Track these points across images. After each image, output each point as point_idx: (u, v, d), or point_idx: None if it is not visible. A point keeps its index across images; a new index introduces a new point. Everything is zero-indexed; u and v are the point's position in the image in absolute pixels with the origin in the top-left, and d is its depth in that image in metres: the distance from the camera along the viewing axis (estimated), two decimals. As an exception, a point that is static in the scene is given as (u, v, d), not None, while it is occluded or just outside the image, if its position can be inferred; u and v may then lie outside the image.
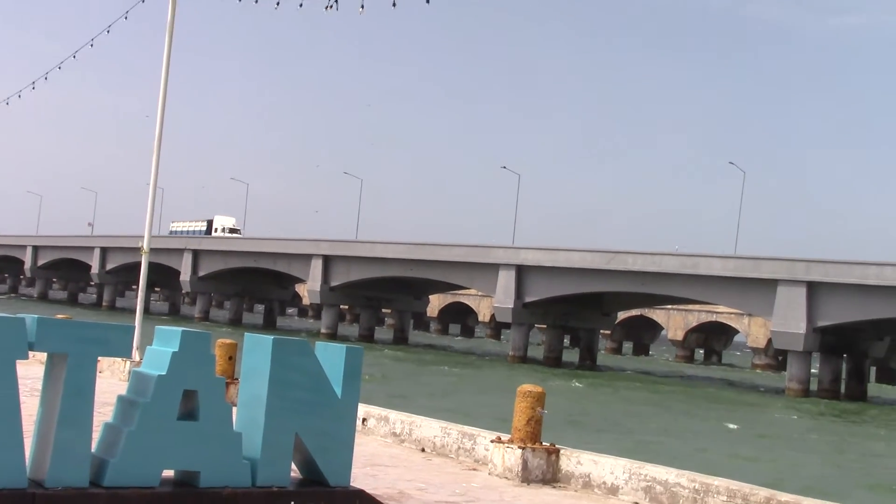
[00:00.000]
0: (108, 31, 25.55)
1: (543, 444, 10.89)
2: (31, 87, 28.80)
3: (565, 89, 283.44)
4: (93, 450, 6.52)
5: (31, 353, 6.34)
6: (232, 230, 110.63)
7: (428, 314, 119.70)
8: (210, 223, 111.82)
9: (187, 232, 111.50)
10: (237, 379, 14.04)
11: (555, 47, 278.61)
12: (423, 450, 12.25)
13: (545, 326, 79.11)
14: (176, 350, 6.78)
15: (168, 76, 20.33)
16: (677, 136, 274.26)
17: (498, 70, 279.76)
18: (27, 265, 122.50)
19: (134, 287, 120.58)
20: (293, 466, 7.32)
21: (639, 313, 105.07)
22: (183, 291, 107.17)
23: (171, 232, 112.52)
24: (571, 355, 79.69)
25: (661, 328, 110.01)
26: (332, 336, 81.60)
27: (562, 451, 10.90)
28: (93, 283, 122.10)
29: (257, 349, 7.30)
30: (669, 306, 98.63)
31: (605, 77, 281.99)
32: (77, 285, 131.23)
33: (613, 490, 10.23)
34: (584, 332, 78.56)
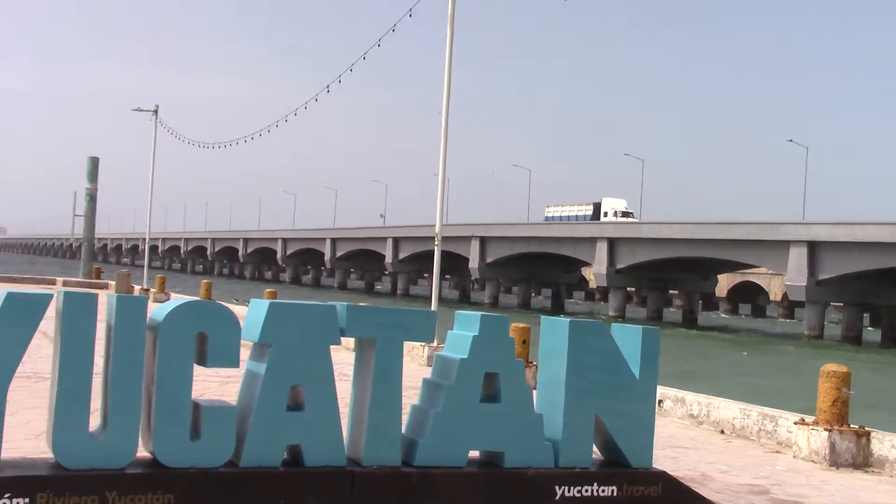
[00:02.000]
0: (392, 31, 26.50)
1: (851, 426, 10.39)
2: (325, 90, 30.32)
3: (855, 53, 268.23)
4: (402, 431, 6.81)
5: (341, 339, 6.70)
6: (624, 213, 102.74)
7: (716, 294, 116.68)
8: (597, 207, 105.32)
9: (568, 217, 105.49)
10: (531, 362, 14.29)
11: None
12: (721, 431, 11.99)
13: (842, 304, 75.37)
14: (476, 334, 6.96)
15: (451, 67, 20.83)
16: None
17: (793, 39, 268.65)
18: (327, 257, 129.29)
19: (426, 275, 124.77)
20: (594, 448, 7.35)
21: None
22: (472, 278, 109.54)
23: (546, 218, 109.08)
24: (872, 335, 75.46)
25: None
26: (620, 318, 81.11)
27: (872, 434, 10.36)
28: (387, 273, 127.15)
29: (554, 332, 7.37)
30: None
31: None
32: (373, 275, 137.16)
33: (933, 476, 9.62)
34: (887, 310, 74.17)
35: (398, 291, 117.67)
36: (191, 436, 6.10)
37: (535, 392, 7.37)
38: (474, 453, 7.05)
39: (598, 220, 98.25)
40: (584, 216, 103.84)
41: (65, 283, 42.53)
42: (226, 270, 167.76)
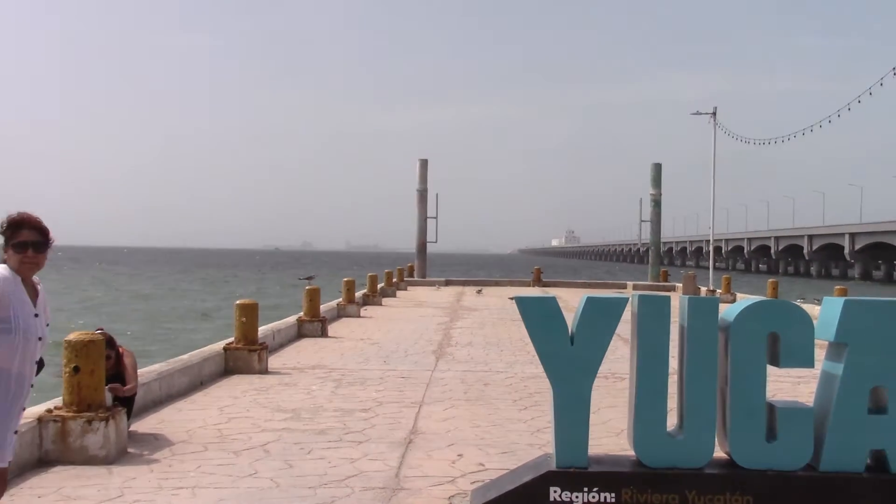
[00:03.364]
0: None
1: None
2: (892, 72, 28.62)
3: None
4: None
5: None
6: None
7: None
8: None
9: None
10: None
11: None
12: None
13: None
14: None
15: None
16: None
17: None
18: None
19: None
20: None
21: None
22: None
23: None
24: None
25: None
26: None
27: None
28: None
29: None
30: None
31: None
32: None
33: None
34: None
35: None
36: (766, 437, 6.05)
37: None
38: None
39: None
40: None
41: (634, 287, 44.13)
42: (790, 269, 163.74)
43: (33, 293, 4.89)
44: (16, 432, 4.87)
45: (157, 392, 10.77)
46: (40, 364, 5.00)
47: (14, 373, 4.73)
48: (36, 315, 4.85)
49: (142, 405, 9.99)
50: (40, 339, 4.86)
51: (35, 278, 4.95)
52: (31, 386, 4.90)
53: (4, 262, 4.83)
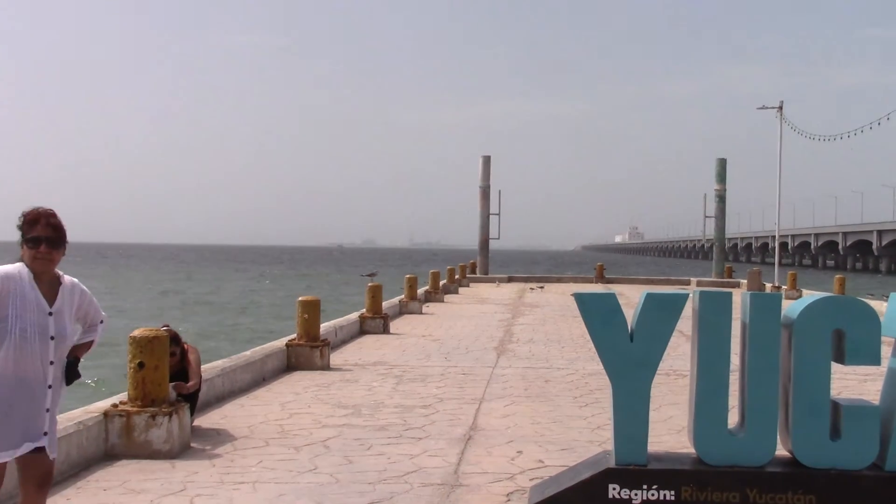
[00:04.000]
0: None
1: None
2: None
3: None
4: None
5: None
6: None
7: None
8: None
9: None
10: None
11: None
12: None
13: None
14: None
15: None
16: None
17: None
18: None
19: None
20: None
21: None
22: None
23: None
24: None
25: None
26: None
27: None
28: None
29: None
30: None
31: None
32: None
33: None
34: None
35: None
36: (830, 436, 5.95)
37: None
38: None
39: None
40: None
41: (698, 283, 43.73)
42: (858, 265, 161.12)
43: (52, 291, 4.74)
44: (45, 434, 4.69)
45: (220, 388, 10.91)
46: (74, 363, 4.84)
47: (13, 375, 4.57)
48: (50, 313, 4.68)
49: (205, 401, 10.11)
50: (53, 337, 4.68)
51: (60, 273, 4.81)
52: (49, 387, 4.69)
53: (22, 258, 4.72)
